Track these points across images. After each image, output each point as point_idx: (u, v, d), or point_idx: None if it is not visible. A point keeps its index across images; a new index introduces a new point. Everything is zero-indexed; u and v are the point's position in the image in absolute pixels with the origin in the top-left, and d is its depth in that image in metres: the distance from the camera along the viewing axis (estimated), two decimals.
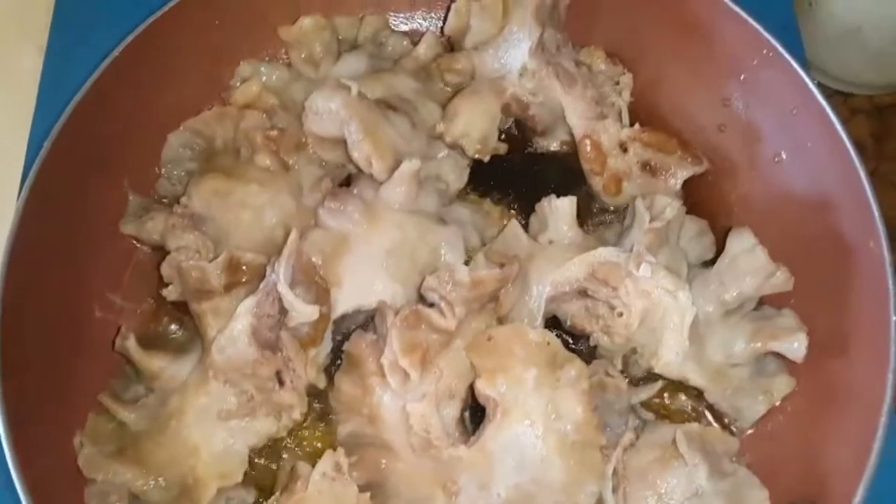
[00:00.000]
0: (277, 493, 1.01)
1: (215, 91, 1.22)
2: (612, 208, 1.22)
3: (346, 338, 1.10)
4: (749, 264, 1.07)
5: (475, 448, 1.01)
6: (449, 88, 1.23)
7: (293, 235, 1.03)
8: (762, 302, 1.13)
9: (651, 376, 1.10)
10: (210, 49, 1.20)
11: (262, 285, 1.03)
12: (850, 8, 1.45)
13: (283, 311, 1.04)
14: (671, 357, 1.03)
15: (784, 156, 1.16)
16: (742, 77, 1.17)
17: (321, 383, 1.10)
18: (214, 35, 1.19)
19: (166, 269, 1.11)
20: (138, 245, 1.17)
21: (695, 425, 1.04)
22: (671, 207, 1.08)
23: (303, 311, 1.01)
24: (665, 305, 1.04)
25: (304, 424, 1.11)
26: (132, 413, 1.07)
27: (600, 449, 1.00)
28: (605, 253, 1.07)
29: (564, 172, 1.23)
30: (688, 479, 0.99)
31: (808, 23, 1.13)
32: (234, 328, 1.02)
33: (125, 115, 1.14)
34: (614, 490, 1.00)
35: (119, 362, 1.11)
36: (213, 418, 1.04)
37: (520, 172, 1.24)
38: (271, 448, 1.09)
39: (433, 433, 1.00)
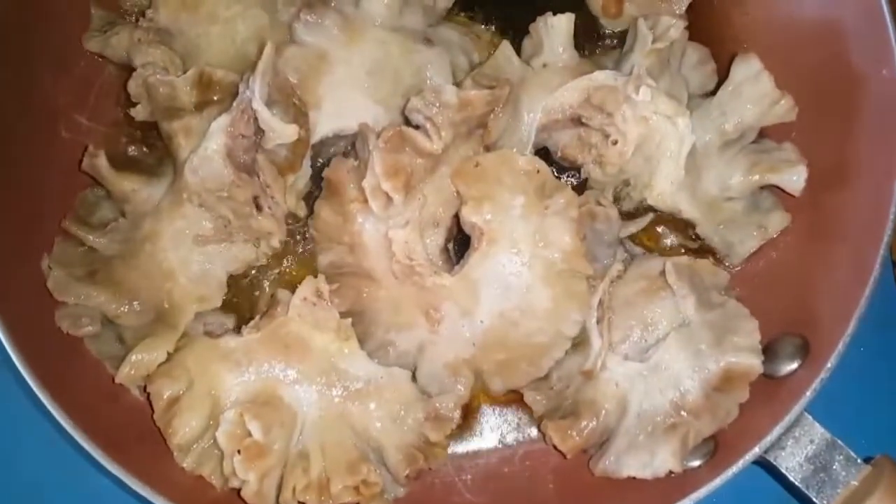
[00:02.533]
0: (257, 318, 0.96)
1: None
2: (610, 33, 1.11)
3: (326, 166, 1.01)
4: (753, 91, 0.98)
5: (459, 276, 0.95)
6: None
7: (268, 49, 0.92)
8: (762, 135, 1.05)
9: (641, 211, 1.04)
10: None
11: (235, 103, 0.94)
12: None
13: (259, 133, 0.96)
14: (665, 186, 0.97)
15: None
16: None
17: (301, 212, 1.03)
18: None
19: (133, 87, 1.01)
20: (104, 63, 1.06)
21: (684, 258, 0.98)
22: (675, 28, 0.97)
23: (280, 131, 0.93)
24: (663, 133, 0.96)
25: (284, 254, 1.05)
26: (102, 237, 1.00)
27: (587, 279, 0.95)
28: (601, 76, 0.97)
29: None
30: (674, 310, 0.94)
31: None
32: (207, 147, 0.93)
33: None
34: (598, 321, 0.96)
35: (87, 186, 1.04)
36: (189, 242, 0.97)
37: None
38: (251, 278, 1.04)
39: (416, 260, 0.95)
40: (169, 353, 0.94)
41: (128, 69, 1.02)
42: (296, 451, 0.91)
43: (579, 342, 0.98)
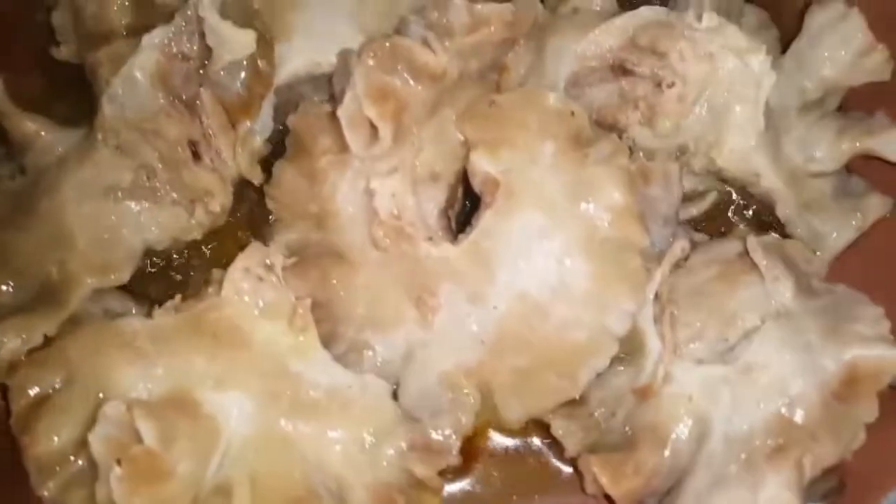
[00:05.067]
0: (177, 297, 0.67)
1: None
2: None
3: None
4: (839, 37, 0.76)
5: (465, 245, 0.68)
6: None
7: None
8: (845, 108, 0.82)
9: (702, 192, 0.79)
10: None
11: (178, 13, 0.71)
12: None
13: (206, 55, 0.72)
14: (739, 141, 0.71)
15: None
16: None
17: (256, 176, 0.76)
18: None
19: (59, 17, 0.78)
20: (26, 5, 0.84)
21: (772, 235, 0.72)
22: None
23: (234, 40, 0.68)
24: (733, 74, 0.72)
25: (227, 233, 0.77)
26: None
27: (641, 255, 0.68)
28: (649, 11, 0.75)
29: None
30: (764, 298, 0.66)
31: None
32: (134, 64, 0.69)
33: None
34: (656, 318, 0.68)
35: None
36: (98, 196, 0.70)
37: None
38: (177, 258, 0.76)
39: (406, 219, 0.67)
40: (47, 338, 0.64)
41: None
42: (213, 482, 0.59)
43: (629, 351, 0.69)
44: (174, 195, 0.71)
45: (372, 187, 0.68)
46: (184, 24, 0.69)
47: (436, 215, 0.70)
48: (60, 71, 0.81)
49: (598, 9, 0.81)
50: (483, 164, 0.68)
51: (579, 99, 0.78)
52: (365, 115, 0.66)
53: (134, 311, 0.68)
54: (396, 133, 0.67)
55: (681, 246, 0.69)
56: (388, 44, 0.67)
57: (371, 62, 0.67)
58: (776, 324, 0.63)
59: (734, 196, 0.78)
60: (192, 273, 0.75)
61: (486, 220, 0.67)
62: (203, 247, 0.75)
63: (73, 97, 0.82)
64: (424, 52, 0.67)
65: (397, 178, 0.68)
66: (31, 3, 0.84)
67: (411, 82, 0.68)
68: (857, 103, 0.82)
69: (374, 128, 0.67)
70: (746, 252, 0.68)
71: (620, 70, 0.77)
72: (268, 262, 0.67)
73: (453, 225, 0.73)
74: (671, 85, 0.73)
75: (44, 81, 0.83)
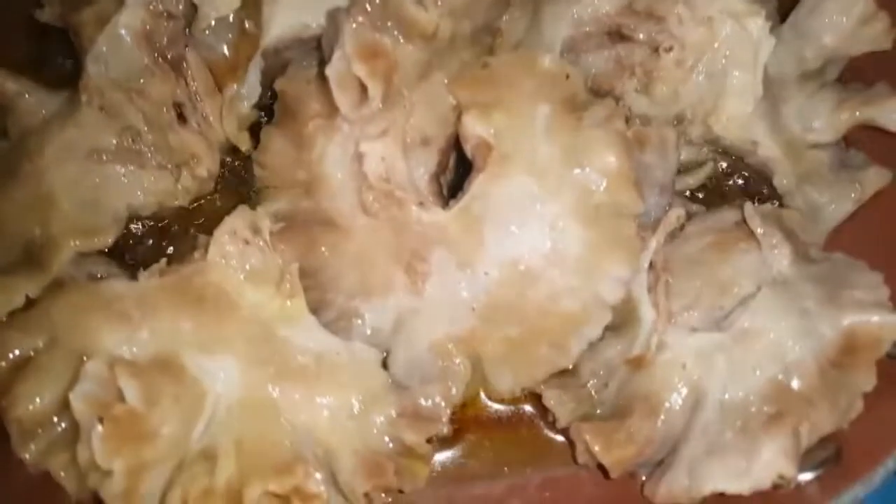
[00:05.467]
0: (162, 261, 0.65)
1: None
2: None
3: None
4: (840, 3, 0.74)
5: (456, 210, 0.66)
6: None
7: None
8: (845, 79, 0.80)
9: (698, 161, 0.77)
10: None
11: None
12: None
13: (191, 14, 0.70)
14: (739, 106, 0.70)
15: None
16: None
17: (243, 143, 0.75)
18: None
19: None
20: None
21: (767, 205, 0.71)
22: None
23: None
24: (731, 38, 0.70)
25: (214, 204, 0.76)
26: None
27: (635, 222, 0.66)
28: None
29: None
30: (760, 265, 0.65)
31: None
32: (118, 22, 0.67)
33: None
34: (650, 288, 0.66)
35: None
36: (81, 159, 0.68)
37: None
38: (161, 225, 0.74)
39: (396, 183, 0.66)
40: (29, 300, 0.63)
41: None
42: (198, 447, 0.57)
43: (622, 320, 0.67)
44: (160, 158, 0.70)
45: (361, 150, 0.66)
46: None
47: (426, 180, 0.68)
48: (45, 35, 0.79)
49: None
50: (475, 128, 0.66)
51: (575, 65, 0.76)
52: (354, 75, 0.64)
53: (119, 276, 0.67)
54: (386, 94, 0.65)
55: (676, 214, 0.68)
56: (378, 0, 0.65)
57: (361, 19, 0.65)
58: (773, 290, 0.62)
59: (731, 168, 0.77)
60: (177, 239, 0.73)
61: (477, 184, 0.65)
62: (189, 213, 0.74)
63: (58, 62, 0.81)
64: (416, 9, 0.65)
65: (387, 142, 0.66)
66: None
67: (402, 41, 0.66)
68: (857, 74, 0.80)
69: (363, 88, 0.65)
70: (743, 221, 0.66)
71: (617, 35, 0.75)
72: (255, 225, 0.65)
73: (445, 191, 0.71)
74: (669, 49, 0.71)
75: (28, 46, 0.81)
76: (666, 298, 0.65)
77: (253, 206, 0.71)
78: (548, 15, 0.75)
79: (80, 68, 0.73)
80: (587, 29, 0.75)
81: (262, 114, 0.76)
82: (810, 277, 0.63)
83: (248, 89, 0.74)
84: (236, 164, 0.77)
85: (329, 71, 0.65)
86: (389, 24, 0.65)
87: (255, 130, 0.75)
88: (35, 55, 0.81)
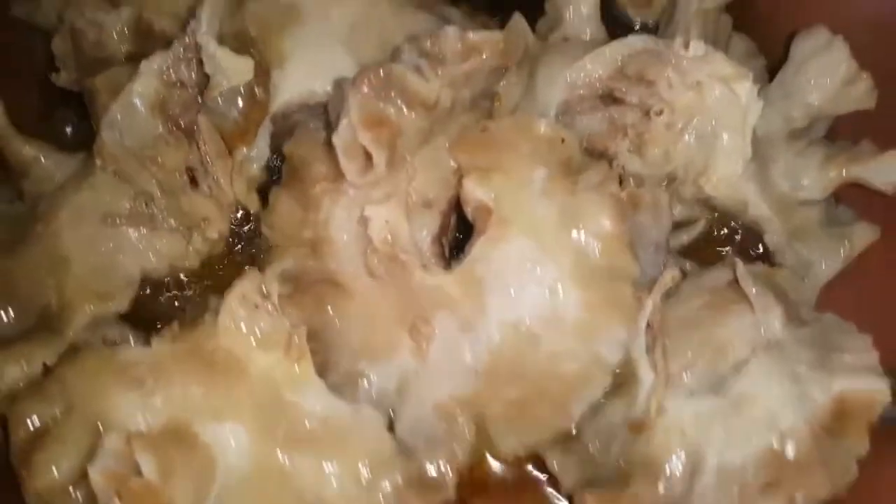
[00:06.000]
0: (174, 325, 0.67)
1: None
2: (638, 25, 0.92)
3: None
4: (824, 65, 0.77)
5: (458, 272, 0.68)
6: None
7: None
8: (833, 136, 0.83)
9: (691, 219, 0.79)
10: None
11: (176, 41, 0.71)
12: None
13: (203, 83, 0.72)
14: (729, 168, 0.72)
15: None
16: None
17: (252, 204, 0.77)
18: None
19: (58, 43, 0.79)
20: (28, 33, 0.84)
21: (760, 265, 0.73)
22: None
23: (232, 68, 0.69)
24: (720, 102, 0.72)
25: (224, 260, 0.77)
26: None
27: (632, 284, 0.68)
28: (638, 40, 0.75)
29: None
30: (754, 327, 0.66)
31: None
32: (132, 91, 0.69)
33: None
34: (649, 349, 0.68)
35: None
36: (95, 223, 0.70)
37: None
38: (174, 287, 0.75)
39: (400, 247, 0.68)
40: (46, 367, 0.64)
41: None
42: None
43: (622, 382, 0.69)
44: (172, 222, 0.72)
45: (366, 214, 0.68)
46: (182, 50, 0.70)
47: (429, 242, 0.70)
48: (59, 96, 0.82)
49: (587, 37, 0.82)
50: (475, 191, 0.69)
51: (570, 126, 0.79)
52: (360, 143, 0.67)
53: (132, 340, 0.68)
54: (390, 160, 0.68)
55: (671, 275, 0.69)
56: (382, 71, 0.68)
57: (365, 89, 0.68)
58: (766, 354, 0.63)
59: (723, 224, 0.79)
60: (188, 300, 0.75)
61: (478, 247, 0.68)
62: (199, 273, 0.75)
63: (72, 122, 0.83)
64: (418, 80, 0.67)
65: (391, 206, 0.68)
66: (30, 29, 0.85)
67: (405, 110, 0.68)
68: (843, 131, 0.83)
69: (368, 155, 0.68)
70: (736, 281, 0.68)
71: (610, 98, 0.78)
72: (264, 289, 0.67)
73: (446, 252, 0.73)
74: (659, 113, 0.74)
75: (42, 105, 0.84)
76: (664, 360, 0.67)
77: (261, 265, 0.74)
78: (542, 79, 0.78)
79: (93, 130, 0.75)
80: (580, 92, 0.77)
81: (271, 175, 0.79)
82: (802, 340, 0.65)
83: (257, 152, 0.77)
84: (245, 223, 0.79)
85: (336, 139, 0.67)
86: (393, 93, 0.68)
87: (263, 190, 0.78)
88: (49, 116, 0.83)
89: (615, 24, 0.90)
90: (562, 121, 0.78)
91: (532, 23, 0.85)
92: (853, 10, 0.86)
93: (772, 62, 0.87)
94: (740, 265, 0.69)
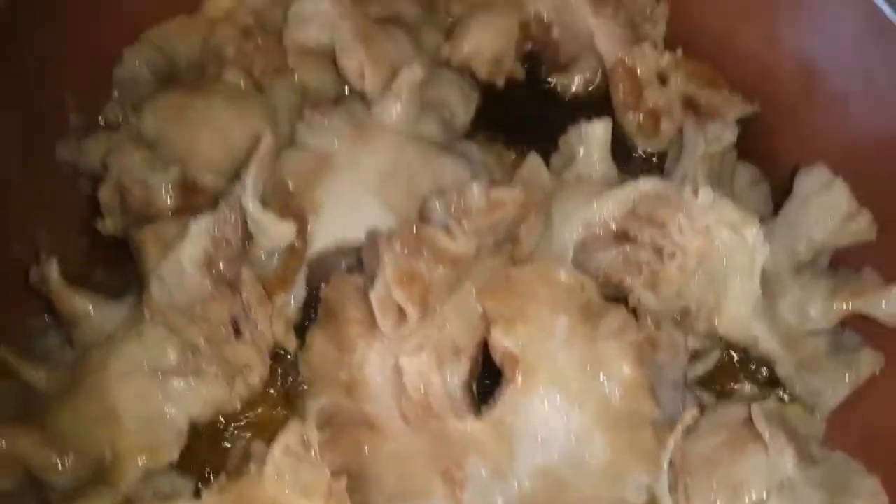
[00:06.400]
0: (221, 476, 0.71)
1: (182, 3, 0.96)
2: (645, 154, 0.97)
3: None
4: (826, 202, 0.82)
5: (488, 420, 0.72)
6: (453, 19, 1.00)
7: (266, 139, 0.76)
8: (836, 263, 0.87)
9: (708, 348, 0.83)
10: None
11: (222, 201, 0.76)
12: None
13: (247, 240, 0.78)
14: (739, 310, 0.77)
15: (847, 93, 0.91)
16: (793, 4, 0.94)
17: (290, 344, 0.81)
18: None
19: (105, 194, 0.84)
20: (74, 175, 0.90)
21: (772, 402, 0.77)
22: (729, 132, 0.84)
23: (274, 230, 0.74)
24: (728, 246, 0.77)
25: (266, 398, 0.81)
26: (41, 371, 0.77)
27: (652, 425, 0.72)
28: (649, 183, 0.81)
29: (589, 117, 0.97)
30: (768, 466, 0.70)
31: None
32: (182, 252, 0.74)
33: (70, 21, 0.89)
34: (671, 487, 0.72)
35: (33, 312, 0.83)
36: (144, 375, 0.75)
37: (537, 118, 0.99)
38: (220, 427, 0.80)
39: (433, 396, 0.72)
40: None
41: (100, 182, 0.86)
42: None
43: None
44: (215, 369, 0.76)
45: (400, 365, 0.73)
46: (228, 211, 0.75)
47: (460, 389, 0.75)
48: (105, 239, 0.87)
49: (599, 176, 0.87)
50: (502, 341, 0.73)
51: (588, 262, 0.84)
52: (394, 300, 0.72)
53: (183, 491, 0.72)
54: (423, 313, 0.73)
55: (691, 414, 0.73)
56: (413, 231, 0.73)
57: (398, 248, 0.73)
58: (779, 497, 0.67)
59: (736, 354, 0.83)
60: (231, 441, 0.79)
61: (507, 396, 0.72)
62: (241, 415, 0.80)
63: (118, 264, 0.88)
64: (447, 240, 0.73)
65: (424, 357, 0.72)
66: (75, 175, 0.90)
67: (435, 265, 0.73)
68: (845, 259, 0.87)
69: (402, 310, 0.72)
70: (751, 419, 0.73)
71: (624, 237, 0.83)
72: (306, 440, 0.71)
73: (475, 394, 0.78)
74: (672, 256, 0.79)
75: (87, 247, 0.89)
76: (686, 500, 0.71)
77: (299, 402, 0.79)
78: (559, 218, 0.83)
79: (139, 277, 0.80)
80: (596, 231, 0.82)
81: (307, 311, 0.83)
82: (813, 481, 0.69)
83: (295, 293, 0.82)
84: (284, 359, 0.83)
85: (372, 296, 0.72)
86: (424, 252, 0.73)
87: (299, 329, 0.83)
88: (95, 260, 0.88)
89: (624, 153, 0.97)
90: (580, 257, 0.83)
91: (547, 155, 0.92)
92: (852, 135, 0.92)
93: (778, 179, 0.92)
94: (755, 408, 0.73)
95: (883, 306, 0.79)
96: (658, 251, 0.80)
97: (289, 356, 0.81)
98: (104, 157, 0.86)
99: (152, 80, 0.93)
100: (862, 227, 0.82)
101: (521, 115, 0.99)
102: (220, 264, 0.75)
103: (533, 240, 0.80)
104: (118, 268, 0.87)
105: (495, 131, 0.98)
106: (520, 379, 0.72)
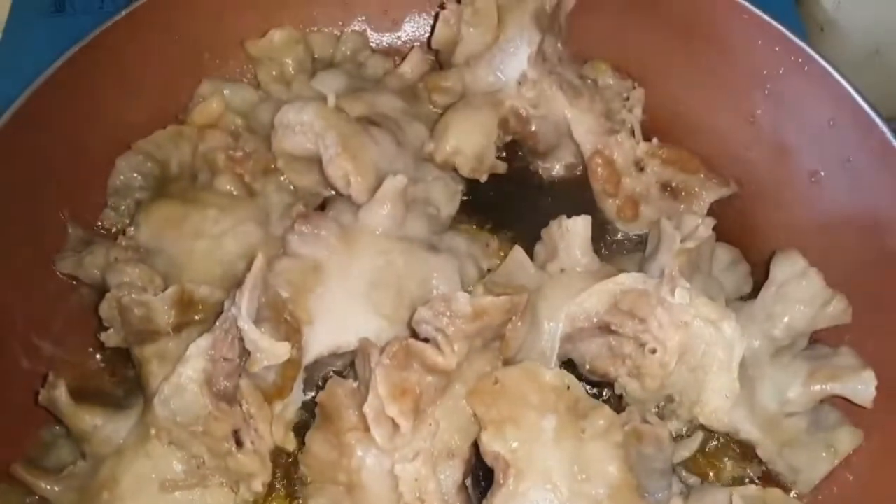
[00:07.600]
0: None
1: (171, 112, 1.02)
2: (626, 237, 1.01)
3: (321, 389, 0.86)
4: (800, 291, 0.86)
5: None
6: (437, 110, 1.05)
7: (258, 261, 0.81)
8: (814, 340, 0.92)
9: (691, 431, 0.88)
10: (167, 63, 1.00)
11: (218, 322, 0.81)
12: (865, 29, 1.30)
13: (244, 354, 0.82)
14: (719, 402, 0.81)
15: (822, 173, 0.97)
16: (768, 87, 0.99)
17: (290, 445, 0.85)
18: (172, 48, 1.00)
19: (105, 310, 0.88)
20: (76, 285, 0.94)
21: (752, 487, 0.81)
22: (704, 226, 0.88)
23: (270, 351, 0.78)
24: (707, 340, 0.82)
25: (268, 499, 0.86)
26: (55, 485, 0.82)
27: None
28: (628, 279, 0.85)
29: (571, 200, 1.02)
30: None
31: (820, 48, 0.96)
32: (182, 374, 0.78)
33: (65, 135, 0.94)
34: None
35: (43, 423, 0.88)
36: (153, 489, 0.79)
37: (520, 201, 1.04)
38: None
39: (429, 499, 0.76)
40: None
41: (101, 292, 0.90)
42: None
43: None
44: (219, 478, 0.80)
45: (396, 472, 0.77)
46: (224, 331, 0.79)
47: (454, 491, 0.79)
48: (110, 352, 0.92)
49: (580, 269, 0.91)
50: (493, 444, 0.77)
51: (574, 352, 0.89)
52: (387, 413, 0.76)
53: None
54: (416, 423, 0.77)
55: None
56: (402, 346, 0.77)
57: (388, 362, 0.77)
58: None
59: (718, 436, 0.88)
60: None
61: (499, 498, 0.76)
62: None
63: (124, 372, 0.92)
64: (436, 354, 0.77)
65: (419, 463, 0.77)
66: (78, 285, 0.95)
67: (426, 377, 0.78)
68: (825, 335, 0.91)
69: (395, 422, 0.77)
70: None
71: (607, 329, 0.87)
72: None
73: (470, 492, 0.82)
74: (653, 351, 0.83)
75: (95, 358, 0.94)
76: None
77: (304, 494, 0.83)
78: (544, 312, 0.87)
79: (143, 387, 0.85)
80: (582, 325, 0.87)
81: (305, 410, 0.87)
82: None
83: (292, 397, 0.86)
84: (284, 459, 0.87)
85: (366, 409, 0.76)
86: (415, 365, 0.78)
87: (298, 428, 0.87)
88: (103, 370, 0.93)
89: (608, 239, 1.01)
90: (566, 347, 0.88)
91: (532, 236, 0.96)
92: (828, 215, 0.96)
93: (759, 255, 0.95)
94: (735, 495, 0.77)
95: (859, 391, 0.83)
96: (641, 344, 0.84)
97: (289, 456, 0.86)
98: (103, 270, 0.90)
99: (145, 185, 0.98)
100: (838, 311, 0.87)
101: (506, 199, 1.04)
102: (220, 380, 0.79)
103: (518, 340, 0.84)
104: (124, 375, 0.92)
105: (481, 215, 1.03)
106: (510, 483, 0.76)
